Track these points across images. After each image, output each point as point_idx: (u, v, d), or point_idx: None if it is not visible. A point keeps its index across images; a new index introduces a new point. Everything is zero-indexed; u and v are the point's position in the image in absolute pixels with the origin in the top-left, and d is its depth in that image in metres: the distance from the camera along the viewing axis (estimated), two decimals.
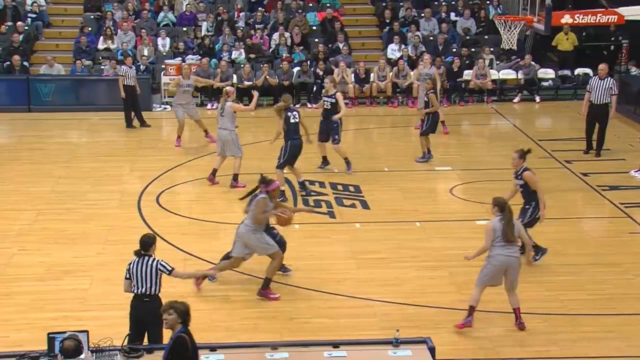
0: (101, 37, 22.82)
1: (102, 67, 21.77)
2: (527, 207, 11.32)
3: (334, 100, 15.29)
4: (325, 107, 15.47)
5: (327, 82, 15.89)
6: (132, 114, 19.49)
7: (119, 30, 22.91)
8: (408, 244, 12.43)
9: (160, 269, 8.60)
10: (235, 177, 14.89)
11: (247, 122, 20.33)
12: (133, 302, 8.60)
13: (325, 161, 15.87)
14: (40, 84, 20.98)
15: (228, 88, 15.44)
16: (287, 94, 16.22)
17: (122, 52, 21.78)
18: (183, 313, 7.28)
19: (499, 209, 9.73)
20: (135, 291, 8.57)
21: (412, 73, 21.41)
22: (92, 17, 23.81)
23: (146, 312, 8.43)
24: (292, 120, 14.29)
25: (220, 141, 14.95)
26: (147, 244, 8.73)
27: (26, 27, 22.96)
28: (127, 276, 8.66)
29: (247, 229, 10.72)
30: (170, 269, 8.67)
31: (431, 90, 16.56)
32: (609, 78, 16.81)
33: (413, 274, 11.39)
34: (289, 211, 11.11)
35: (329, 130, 15.43)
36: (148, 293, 8.54)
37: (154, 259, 8.66)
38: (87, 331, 7.49)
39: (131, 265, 8.63)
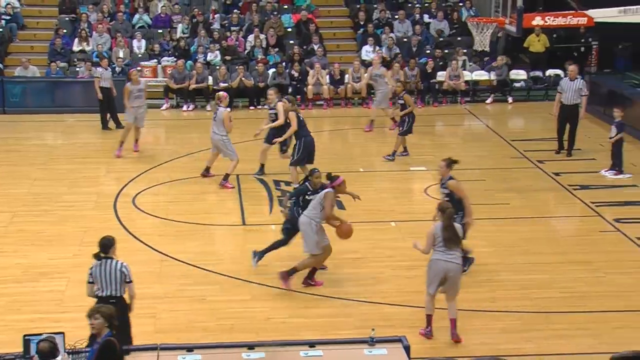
0: (76, 39, 22.67)
1: (77, 69, 21.63)
2: (455, 216, 11.03)
3: (276, 111, 14.85)
4: (271, 118, 14.98)
5: (270, 93, 15.36)
6: (108, 115, 19.39)
7: (94, 33, 22.76)
8: (384, 244, 12.47)
9: (124, 272, 8.57)
10: (226, 177, 14.93)
11: None
12: (99, 304, 8.51)
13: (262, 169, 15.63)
14: (15, 86, 20.79)
15: (220, 93, 15.26)
16: (288, 95, 16.19)
17: (97, 54, 21.65)
18: (109, 317, 7.21)
19: (440, 214, 9.62)
20: (100, 294, 8.53)
21: (365, 75, 21.27)
22: (67, 19, 23.64)
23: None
24: (301, 118, 14.65)
25: (213, 144, 15.10)
26: (106, 246, 8.70)
27: (0, 29, 22.76)
28: (90, 280, 8.61)
29: (312, 224, 10.67)
30: (130, 279, 8.64)
31: (404, 92, 16.63)
32: (579, 79, 16.97)
33: (389, 274, 11.43)
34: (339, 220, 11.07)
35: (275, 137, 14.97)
36: (114, 295, 8.52)
37: (117, 261, 8.64)
38: (63, 333, 7.44)
39: (94, 269, 8.58)
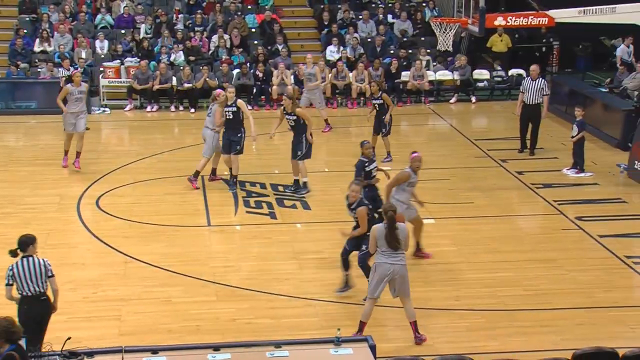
0: (37, 40, 22.41)
1: (39, 69, 21.38)
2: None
3: (235, 109, 14.49)
4: (227, 117, 14.48)
5: (229, 89, 14.86)
6: None
7: (55, 33, 22.52)
8: None
9: (48, 268, 8.52)
10: (196, 174, 14.93)
11: (187, 124, 20.20)
12: (27, 303, 8.44)
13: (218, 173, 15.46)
14: None
15: (216, 91, 15.27)
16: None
17: (59, 55, 21.42)
18: (5, 332, 6.95)
19: (384, 215, 9.51)
20: (28, 293, 8.43)
21: (351, 74, 21.55)
22: (27, 19, 23.34)
23: (45, 311, 8.46)
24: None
25: (204, 140, 15.09)
26: (25, 243, 8.60)
27: None
28: (10, 282, 8.47)
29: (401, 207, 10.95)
30: (52, 274, 8.59)
31: (381, 91, 16.53)
32: (541, 79, 17.15)
33: (354, 274, 11.41)
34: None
35: (232, 141, 14.66)
36: (42, 291, 8.48)
37: (38, 258, 8.58)
38: (26, 337, 7.35)
39: (16, 269, 8.47)
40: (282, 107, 15.07)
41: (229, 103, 14.59)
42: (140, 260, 11.83)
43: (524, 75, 22.14)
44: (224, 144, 14.74)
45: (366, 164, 12.35)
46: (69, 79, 17.10)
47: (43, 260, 8.59)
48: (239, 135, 14.64)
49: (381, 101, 16.45)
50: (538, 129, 17.06)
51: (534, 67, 17.12)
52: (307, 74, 19.23)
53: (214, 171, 15.33)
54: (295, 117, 14.67)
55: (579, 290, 11.04)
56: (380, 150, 16.55)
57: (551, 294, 10.95)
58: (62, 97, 15.54)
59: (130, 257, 11.96)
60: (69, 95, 15.50)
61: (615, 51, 22.84)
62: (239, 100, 14.76)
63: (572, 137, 15.86)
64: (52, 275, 8.59)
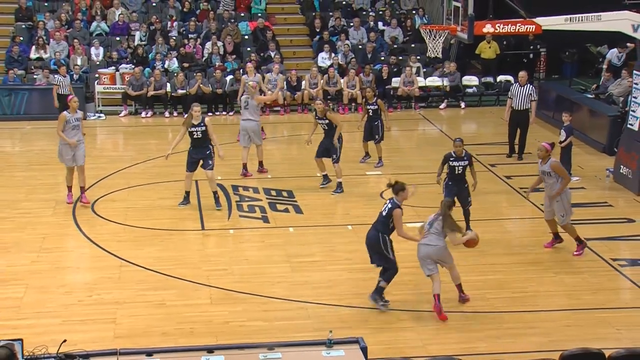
0: (33, 47, 22.38)
1: (35, 76, 21.35)
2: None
3: (203, 128, 14.12)
4: (196, 136, 14.14)
5: (195, 108, 14.28)
6: None
7: (51, 40, 22.49)
8: (341, 247, 12.48)
9: None
10: (260, 164, 15.95)
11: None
12: None
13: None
14: None
15: (250, 83, 16.08)
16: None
17: (55, 62, 21.39)
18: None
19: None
20: None
21: (342, 80, 21.61)
22: (23, 26, 23.30)
23: None
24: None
25: (246, 132, 15.66)
26: None
27: None
28: None
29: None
30: None
31: (376, 97, 16.48)
32: (529, 85, 17.22)
33: (346, 276, 11.45)
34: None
35: (200, 159, 14.32)
36: None
37: None
38: (21, 339, 7.32)
39: None
40: (314, 112, 15.36)
41: (194, 122, 13.93)
42: (134, 264, 11.81)
43: (512, 81, 22.22)
44: (188, 162, 14.15)
45: (451, 159, 12.64)
46: (65, 107, 16.27)
47: None
48: (207, 152, 14.07)
49: (376, 107, 16.38)
50: (526, 134, 17.11)
51: (522, 74, 17.20)
52: (272, 80, 18.69)
53: (244, 166, 15.85)
54: (327, 121, 14.93)
55: (566, 292, 11.07)
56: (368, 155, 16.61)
57: (539, 296, 10.97)
58: (61, 127, 13.85)
59: (125, 260, 11.93)
60: (66, 124, 13.90)
61: (600, 58, 22.92)
62: (207, 119, 14.24)
63: (560, 142, 15.88)
64: None
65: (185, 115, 13.67)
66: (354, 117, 19.77)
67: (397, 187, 10.44)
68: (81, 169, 14.12)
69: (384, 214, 10.43)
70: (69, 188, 14.28)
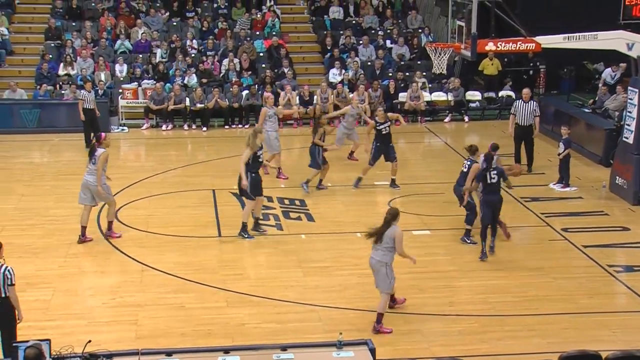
0: (61, 64, 22.50)
1: (63, 91, 21.46)
2: None
3: (388, 124, 15.38)
4: (382, 133, 15.36)
5: (380, 110, 15.61)
6: (92, 135, 19.22)
7: (78, 58, 22.62)
8: (350, 253, 12.47)
9: (7, 276, 8.47)
10: (278, 170, 16.08)
11: (199, 142, 20.27)
12: None
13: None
14: (3, 107, 20.57)
15: (265, 94, 16.24)
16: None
17: (81, 78, 21.51)
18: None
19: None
20: None
21: (350, 95, 21.58)
22: (52, 45, 23.43)
23: (3, 311, 8.40)
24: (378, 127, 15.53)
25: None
26: None
27: None
28: None
29: None
30: (13, 282, 8.51)
31: (387, 120, 16.24)
32: (532, 101, 17.08)
33: (355, 281, 11.43)
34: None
35: (390, 151, 15.56)
36: (3, 296, 8.43)
37: (4, 265, 8.56)
38: (49, 340, 7.35)
39: None
40: (373, 121, 15.56)
41: (380, 121, 15.28)
42: (155, 269, 11.83)
43: (513, 96, 22.19)
44: (260, 186, 13.38)
45: (486, 173, 12.35)
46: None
47: (6, 267, 8.52)
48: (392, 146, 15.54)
49: (388, 129, 15.53)
50: (532, 148, 17.00)
51: (526, 91, 17.09)
52: (354, 114, 17.56)
53: (278, 170, 16.14)
54: (388, 124, 15.21)
55: (565, 297, 11.02)
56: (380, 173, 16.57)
57: (539, 300, 10.93)
58: (102, 165, 12.57)
59: (146, 265, 11.96)
60: (106, 163, 12.69)
61: (597, 74, 22.85)
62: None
63: (559, 154, 15.85)
64: (12, 284, 8.49)
65: (251, 138, 12.89)
66: (362, 130, 19.71)
67: (473, 148, 12.66)
68: (112, 206, 13.29)
69: (464, 170, 12.63)
70: (110, 224, 13.28)
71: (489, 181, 12.20)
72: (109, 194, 13.06)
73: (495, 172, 12.22)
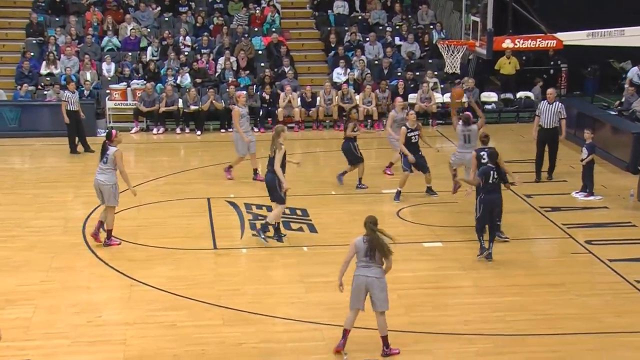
0: (44, 62, 22.57)
1: (45, 92, 21.52)
2: None
3: (418, 132, 15.42)
4: (412, 140, 15.24)
5: (412, 113, 15.69)
6: (77, 139, 19.27)
7: (62, 55, 22.69)
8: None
9: None
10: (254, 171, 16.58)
11: (193, 147, 20.29)
12: None
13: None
14: None
15: (237, 93, 16.77)
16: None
17: (65, 77, 21.55)
18: None
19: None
20: None
21: (357, 97, 21.66)
22: (34, 41, 23.53)
23: None
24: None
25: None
26: None
27: None
28: None
29: None
30: None
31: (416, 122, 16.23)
32: (558, 102, 17.00)
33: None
34: None
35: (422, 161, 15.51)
36: None
37: None
38: None
39: None
40: (403, 126, 15.41)
41: (413, 127, 15.27)
42: (145, 284, 11.83)
43: (532, 97, 22.21)
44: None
45: (491, 171, 12.73)
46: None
47: None
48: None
49: (417, 137, 15.41)
50: (556, 153, 16.94)
51: (550, 91, 17.03)
52: (399, 119, 16.83)
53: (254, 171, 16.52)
54: (418, 132, 15.28)
55: (589, 315, 10.99)
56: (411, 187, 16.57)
57: (560, 318, 10.90)
58: (122, 164, 13.07)
59: (135, 280, 11.95)
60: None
61: (623, 74, 22.86)
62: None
63: (582, 160, 15.85)
64: None
65: (275, 139, 13.26)
66: (369, 135, 19.78)
67: (488, 138, 13.44)
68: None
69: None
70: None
71: (490, 180, 12.59)
72: (115, 197, 13.26)
73: (496, 172, 12.71)
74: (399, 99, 18.07)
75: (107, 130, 13.64)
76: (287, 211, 14.98)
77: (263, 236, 13.27)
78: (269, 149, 13.41)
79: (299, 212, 14.98)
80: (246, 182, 16.38)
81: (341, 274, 9.76)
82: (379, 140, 17.58)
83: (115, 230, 13.85)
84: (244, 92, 17.83)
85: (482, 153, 13.28)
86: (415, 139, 15.34)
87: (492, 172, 12.69)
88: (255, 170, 16.65)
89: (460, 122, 15.12)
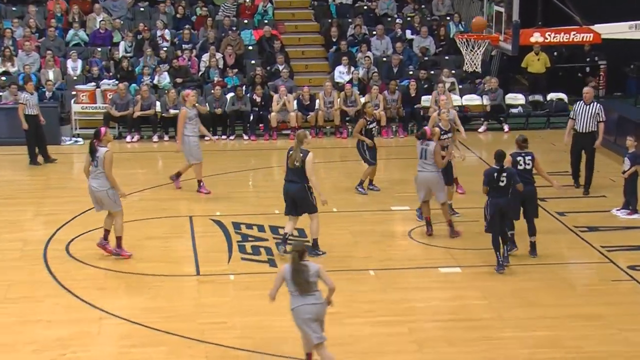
0: None
1: (0, 93, 21.57)
2: None
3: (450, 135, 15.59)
4: (446, 144, 15.41)
5: (443, 113, 15.65)
6: (37, 148, 19.29)
7: (20, 51, 22.76)
8: (361, 296, 12.47)
9: None
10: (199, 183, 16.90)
11: (173, 157, 20.31)
12: None
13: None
14: None
15: (185, 91, 16.90)
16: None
17: (24, 77, 21.60)
18: None
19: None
20: None
21: (362, 99, 21.67)
22: None
23: None
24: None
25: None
26: None
27: None
28: None
29: None
30: None
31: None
32: (595, 103, 17.00)
33: (368, 331, 11.43)
34: None
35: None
36: None
37: None
38: None
39: None
40: (437, 128, 15.43)
41: (446, 129, 15.40)
42: (117, 316, 11.83)
43: (565, 99, 22.25)
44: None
45: (495, 172, 13.05)
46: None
47: None
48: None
49: (450, 136, 15.60)
50: (593, 163, 16.95)
51: (587, 89, 17.05)
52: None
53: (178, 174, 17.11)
54: (450, 135, 15.54)
55: (633, 353, 10.99)
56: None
57: (599, 357, 10.90)
58: (111, 167, 13.35)
59: (106, 312, 11.96)
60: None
61: None
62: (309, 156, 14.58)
63: (624, 172, 15.88)
64: None
65: (297, 145, 13.65)
66: (376, 142, 19.80)
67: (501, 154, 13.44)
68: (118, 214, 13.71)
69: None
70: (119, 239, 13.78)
71: (497, 184, 12.98)
72: (116, 202, 13.47)
73: (505, 174, 13.01)
74: (443, 98, 18.57)
75: (95, 129, 13.76)
76: (282, 231, 15.01)
77: (320, 252, 13.89)
78: (286, 158, 13.62)
79: (295, 232, 14.99)
80: (233, 198, 16.39)
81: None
82: (395, 150, 17.64)
83: (83, 254, 13.89)
84: (194, 91, 17.85)
85: (518, 158, 13.83)
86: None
87: (496, 173, 13.00)
88: (199, 182, 17.04)
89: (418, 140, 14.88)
